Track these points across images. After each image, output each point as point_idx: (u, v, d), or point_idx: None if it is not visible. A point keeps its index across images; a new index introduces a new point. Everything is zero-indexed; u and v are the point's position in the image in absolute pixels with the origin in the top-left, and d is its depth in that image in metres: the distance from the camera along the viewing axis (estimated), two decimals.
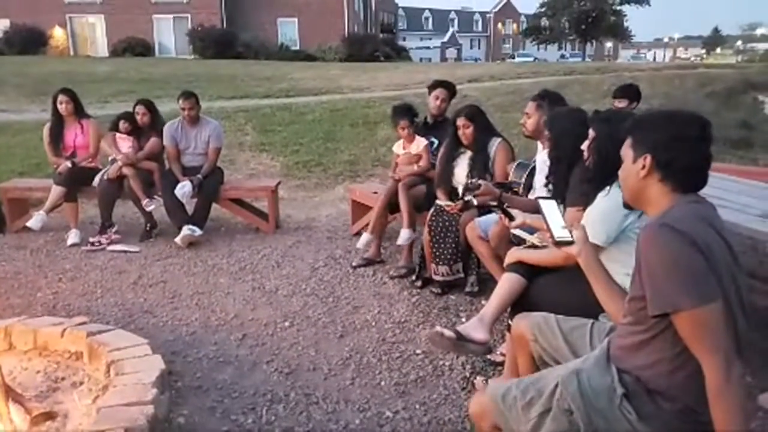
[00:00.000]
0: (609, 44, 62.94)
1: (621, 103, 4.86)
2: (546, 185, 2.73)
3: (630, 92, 4.97)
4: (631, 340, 1.53)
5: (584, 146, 2.27)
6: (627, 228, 2.08)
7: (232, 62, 21.07)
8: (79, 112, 5.20)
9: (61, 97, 5.11)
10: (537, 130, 3.17)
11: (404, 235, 4.13)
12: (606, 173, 2.05)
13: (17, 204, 5.30)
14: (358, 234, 4.87)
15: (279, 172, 7.34)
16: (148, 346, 2.76)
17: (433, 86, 4.50)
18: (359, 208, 5.04)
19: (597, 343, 1.80)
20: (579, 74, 14.64)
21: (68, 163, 5.00)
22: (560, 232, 1.81)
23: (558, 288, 2.28)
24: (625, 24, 48.20)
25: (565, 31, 48.34)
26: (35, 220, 4.91)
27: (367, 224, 4.52)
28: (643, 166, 1.52)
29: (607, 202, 2.08)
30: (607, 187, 2.10)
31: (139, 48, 26.07)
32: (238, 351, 3.12)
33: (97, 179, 4.99)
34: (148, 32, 27.64)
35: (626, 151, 1.59)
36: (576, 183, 2.38)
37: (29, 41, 25.39)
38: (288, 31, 29.33)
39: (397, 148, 4.48)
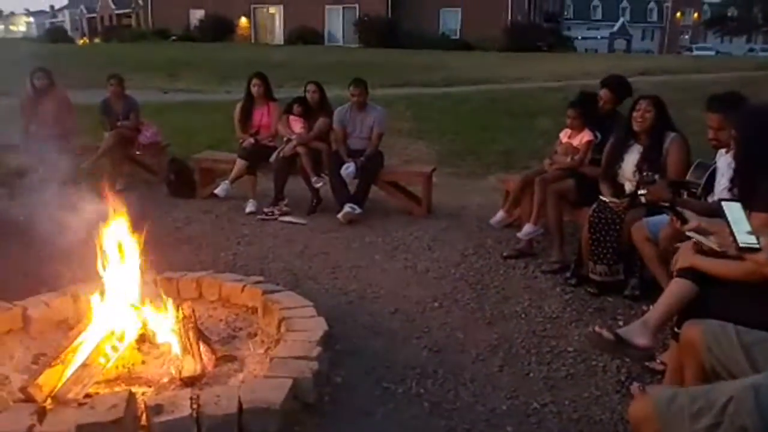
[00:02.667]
0: None
1: None
2: (730, 189, 2.51)
3: None
4: None
5: None
6: None
7: (394, 51, 21.69)
8: (268, 95, 5.74)
9: (255, 80, 5.68)
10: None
11: (526, 229, 4.09)
12: None
13: (206, 173, 6.00)
14: (510, 225, 4.85)
15: (433, 159, 7.48)
16: (314, 309, 3.02)
17: (602, 84, 4.36)
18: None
19: None
20: None
21: (251, 140, 5.56)
22: (745, 238, 1.68)
23: (736, 298, 2.08)
24: None
25: (758, 22, 42.82)
26: (221, 188, 5.52)
27: (518, 213, 4.53)
28: None
29: None
30: None
31: (310, 37, 27.80)
32: (390, 324, 3.29)
33: (273, 156, 5.48)
34: (319, 22, 29.35)
35: None
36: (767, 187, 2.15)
37: (219, 29, 28.29)
38: (450, 20, 29.46)
39: (564, 135, 4.40)
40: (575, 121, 4.22)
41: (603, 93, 4.25)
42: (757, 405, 1.44)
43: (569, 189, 4.08)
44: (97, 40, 37.84)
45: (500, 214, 4.56)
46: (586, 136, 4.19)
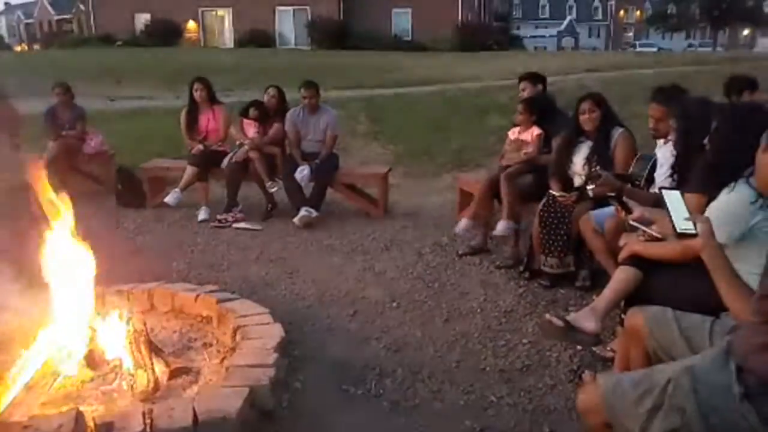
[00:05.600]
0: (745, 32, 57.36)
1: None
2: (671, 176, 2.64)
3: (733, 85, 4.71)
4: (757, 340, 1.47)
5: (707, 139, 2.17)
6: (755, 226, 1.94)
7: (347, 53, 21.66)
8: (212, 99, 5.65)
9: (196, 85, 5.58)
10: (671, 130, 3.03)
11: (501, 227, 4.11)
12: (727, 167, 1.96)
13: (156, 182, 5.86)
14: None
15: (389, 160, 7.50)
16: (270, 315, 2.99)
17: (519, 80, 4.63)
18: (467, 197, 5.04)
19: (717, 341, 1.74)
20: (707, 65, 13.58)
21: (200, 146, 5.46)
22: (683, 224, 1.75)
23: (676, 283, 2.19)
24: (766, 9, 43.79)
25: (695, 18, 44.75)
26: (171, 196, 5.40)
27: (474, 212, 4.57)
28: None
29: (731, 198, 1.96)
30: (732, 183, 1.97)
31: (262, 39, 27.44)
32: (349, 326, 3.29)
33: (225, 161, 5.39)
34: (269, 24, 28.99)
35: (763, 139, 1.57)
36: (701, 170, 2.28)
37: (166, 34, 27.61)
38: (401, 21, 29.57)
39: (512, 133, 4.47)
40: (522, 116, 4.30)
41: (524, 85, 4.52)
42: (694, 385, 1.50)
43: (528, 184, 4.16)
44: (36, 47, 36.52)
45: (465, 222, 4.30)
46: (536, 130, 4.28)
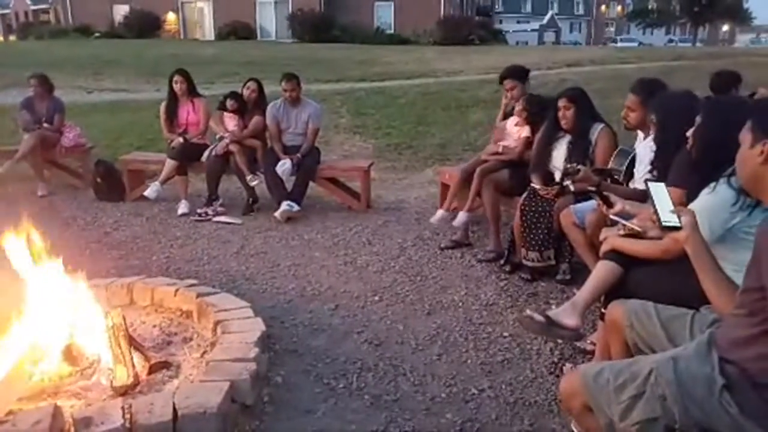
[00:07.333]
0: (725, 28, 58.26)
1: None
2: (651, 171, 2.66)
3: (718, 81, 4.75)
4: (741, 333, 1.48)
5: (689, 133, 2.19)
6: (735, 227, 1.94)
7: (329, 46, 21.55)
8: (192, 92, 5.58)
9: (176, 77, 5.51)
10: (641, 123, 3.08)
11: (460, 218, 4.21)
12: (710, 163, 1.97)
13: (135, 175, 5.79)
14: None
15: (371, 154, 7.50)
16: (251, 310, 2.96)
17: (501, 79, 4.57)
18: (448, 191, 5.07)
19: (698, 335, 1.75)
20: (688, 60, 13.75)
21: (180, 139, 5.40)
22: (668, 217, 1.75)
23: (656, 278, 2.21)
24: (745, 5, 44.55)
25: (676, 14, 45.30)
26: (151, 190, 5.34)
27: (455, 204, 4.60)
28: (762, 152, 1.50)
29: (712, 199, 1.96)
30: (713, 183, 1.97)
31: (243, 32, 27.19)
32: (331, 320, 3.28)
33: (205, 155, 5.33)
34: (250, 16, 28.72)
35: (745, 135, 1.56)
36: (681, 163, 2.30)
37: (145, 25, 27.25)
38: (384, 14, 29.48)
39: (512, 122, 4.39)
40: (523, 111, 4.23)
41: (507, 83, 4.48)
42: (676, 375, 1.52)
43: (504, 179, 4.18)
44: (12, 38, 35.81)
45: (440, 213, 4.50)
46: (525, 131, 4.25)
